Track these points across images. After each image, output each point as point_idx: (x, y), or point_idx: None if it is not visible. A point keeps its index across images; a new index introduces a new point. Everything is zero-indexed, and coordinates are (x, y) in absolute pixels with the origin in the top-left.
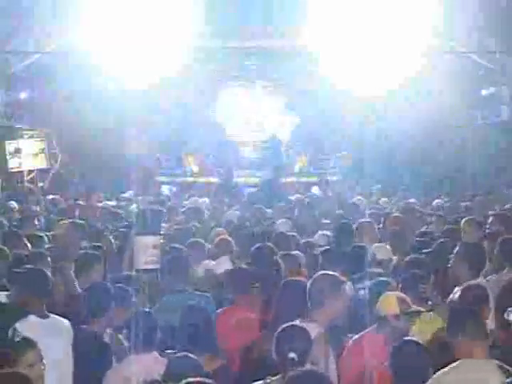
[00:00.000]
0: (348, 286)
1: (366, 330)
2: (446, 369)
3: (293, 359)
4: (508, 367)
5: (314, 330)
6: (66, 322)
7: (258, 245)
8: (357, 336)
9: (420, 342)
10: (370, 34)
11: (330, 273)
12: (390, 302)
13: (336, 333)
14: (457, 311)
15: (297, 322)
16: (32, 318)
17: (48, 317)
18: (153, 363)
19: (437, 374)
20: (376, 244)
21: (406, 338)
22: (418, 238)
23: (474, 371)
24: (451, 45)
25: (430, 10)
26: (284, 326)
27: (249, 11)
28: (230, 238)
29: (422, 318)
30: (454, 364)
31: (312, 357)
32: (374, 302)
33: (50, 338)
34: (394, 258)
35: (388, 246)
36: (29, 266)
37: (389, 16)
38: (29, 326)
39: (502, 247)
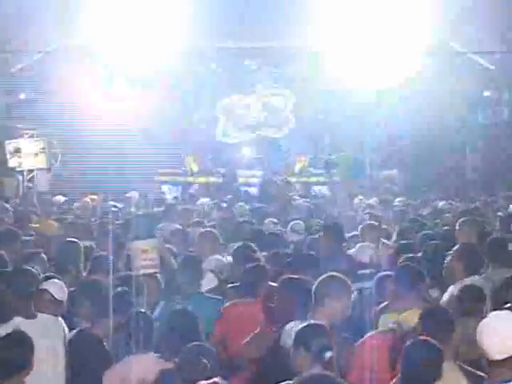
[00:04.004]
0: None
1: (377, 330)
2: None
3: (330, 358)
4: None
5: None
6: (56, 320)
7: (238, 244)
8: (366, 336)
9: (433, 341)
10: (370, 35)
11: (338, 275)
12: None
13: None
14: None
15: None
16: (18, 319)
17: (36, 316)
18: (150, 364)
19: None
20: (358, 244)
21: (420, 338)
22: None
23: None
24: (451, 45)
25: (430, 10)
26: (308, 324)
27: (248, 11)
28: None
29: (412, 314)
30: None
31: None
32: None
33: (38, 339)
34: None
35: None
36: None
37: (389, 16)
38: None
39: (488, 247)
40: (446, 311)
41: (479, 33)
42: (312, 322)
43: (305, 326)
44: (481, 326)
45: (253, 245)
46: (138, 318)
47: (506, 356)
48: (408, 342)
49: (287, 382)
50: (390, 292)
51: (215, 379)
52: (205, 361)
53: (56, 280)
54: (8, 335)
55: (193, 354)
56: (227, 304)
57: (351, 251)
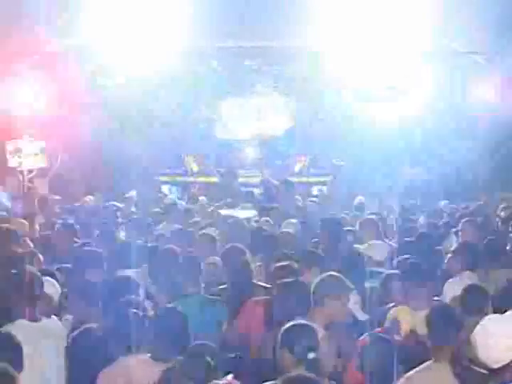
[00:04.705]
0: None
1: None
2: (418, 368)
3: (314, 359)
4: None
5: None
6: (59, 323)
7: (228, 245)
8: (364, 335)
9: (388, 338)
10: (370, 35)
11: (337, 274)
12: None
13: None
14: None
15: (302, 321)
16: (21, 321)
17: (40, 320)
18: (144, 365)
19: (410, 373)
20: (370, 242)
21: (375, 335)
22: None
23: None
24: (451, 45)
25: (430, 9)
26: (293, 324)
27: (248, 11)
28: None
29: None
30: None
31: None
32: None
33: (42, 342)
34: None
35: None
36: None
37: (389, 16)
38: (18, 330)
39: (487, 247)
40: (454, 310)
41: (479, 33)
42: (298, 322)
43: (289, 327)
44: (474, 335)
45: (241, 246)
46: (134, 318)
47: (502, 364)
48: (365, 341)
49: (271, 382)
50: (397, 291)
51: (229, 378)
52: (208, 359)
53: (48, 277)
54: None
55: (196, 353)
56: (249, 302)
57: (362, 248)
